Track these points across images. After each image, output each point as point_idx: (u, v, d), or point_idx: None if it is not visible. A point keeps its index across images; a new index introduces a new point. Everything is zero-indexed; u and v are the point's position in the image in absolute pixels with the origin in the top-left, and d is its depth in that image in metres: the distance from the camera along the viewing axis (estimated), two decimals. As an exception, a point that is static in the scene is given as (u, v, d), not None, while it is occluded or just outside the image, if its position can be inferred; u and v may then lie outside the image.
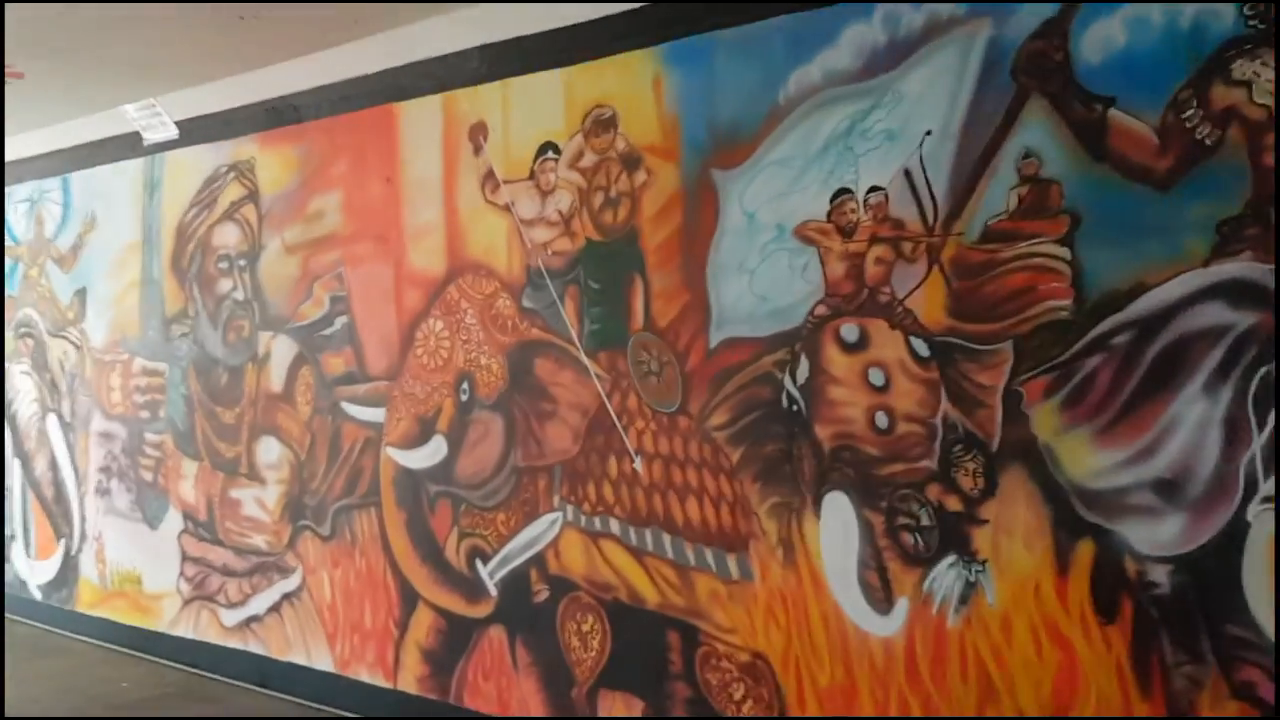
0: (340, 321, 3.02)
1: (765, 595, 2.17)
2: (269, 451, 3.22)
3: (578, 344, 2.47)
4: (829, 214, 2.06)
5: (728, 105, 2.22)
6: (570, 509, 2.49)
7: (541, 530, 2.55)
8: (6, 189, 4.30)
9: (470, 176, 2.71)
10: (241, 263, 3.30)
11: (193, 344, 3.45)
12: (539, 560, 2.56)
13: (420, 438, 2.82)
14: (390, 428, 2.89)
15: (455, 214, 2.74)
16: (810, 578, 2.10)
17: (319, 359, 3.08)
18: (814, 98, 2.09)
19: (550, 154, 2.53)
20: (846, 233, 2.04)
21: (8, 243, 4.27)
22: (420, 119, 2.82)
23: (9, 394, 4.24)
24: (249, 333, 3.27)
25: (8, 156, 4.25)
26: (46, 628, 4.05)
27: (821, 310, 2.08)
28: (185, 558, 3.51)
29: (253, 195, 3.27)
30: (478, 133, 2.69)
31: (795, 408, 2.12)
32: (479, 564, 2.68)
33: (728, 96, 2.22)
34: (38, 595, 4.12)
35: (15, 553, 4.24)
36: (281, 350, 3.18)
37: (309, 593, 3.11)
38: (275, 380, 3.20)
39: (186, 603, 3.50)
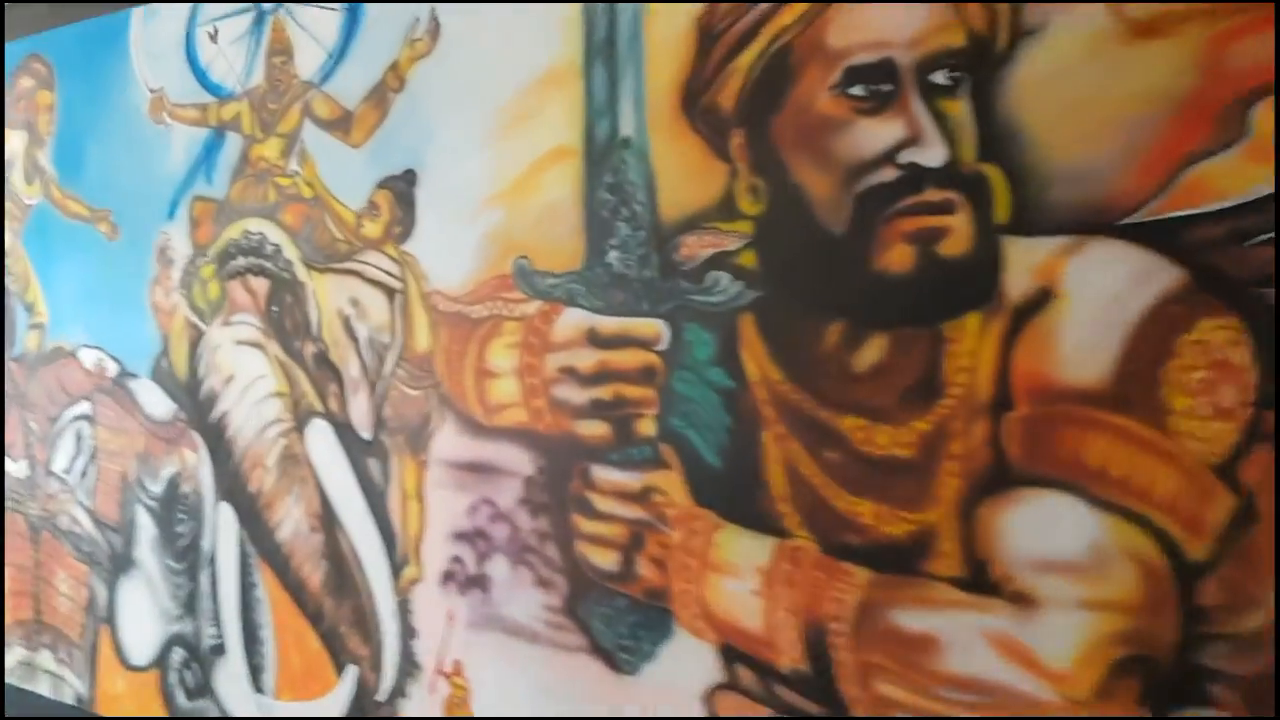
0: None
1: None
2: (1051, 528, 1.37)
3: None
4: None
5: None
6: None
7: None
8: (186, 3, 2.38)
9: None
10: (949, 76, 1.43)
11: (755, 282, 1.58)
12: None
13: None
14: None
15: None
16: None
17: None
18: None
19: None
20: None
21: (199, 98, 2.34)
22: None
23: (203, 380, 2.33)
24: (969, 242, 1.41)
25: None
26: (317, 834, 2.20)
27: None
28: (731, 746, 1.67)
29: (992, -92, 1.40)
30: None
31: None
32: None
33: None
34: (285, 765, 2.25)
35: (222, 676, 2.34)
36: (1114, 276, 1.33)
37: None
38: (1074, 357, 1.34)
39: (738, 846, 1.66)
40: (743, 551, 1.67)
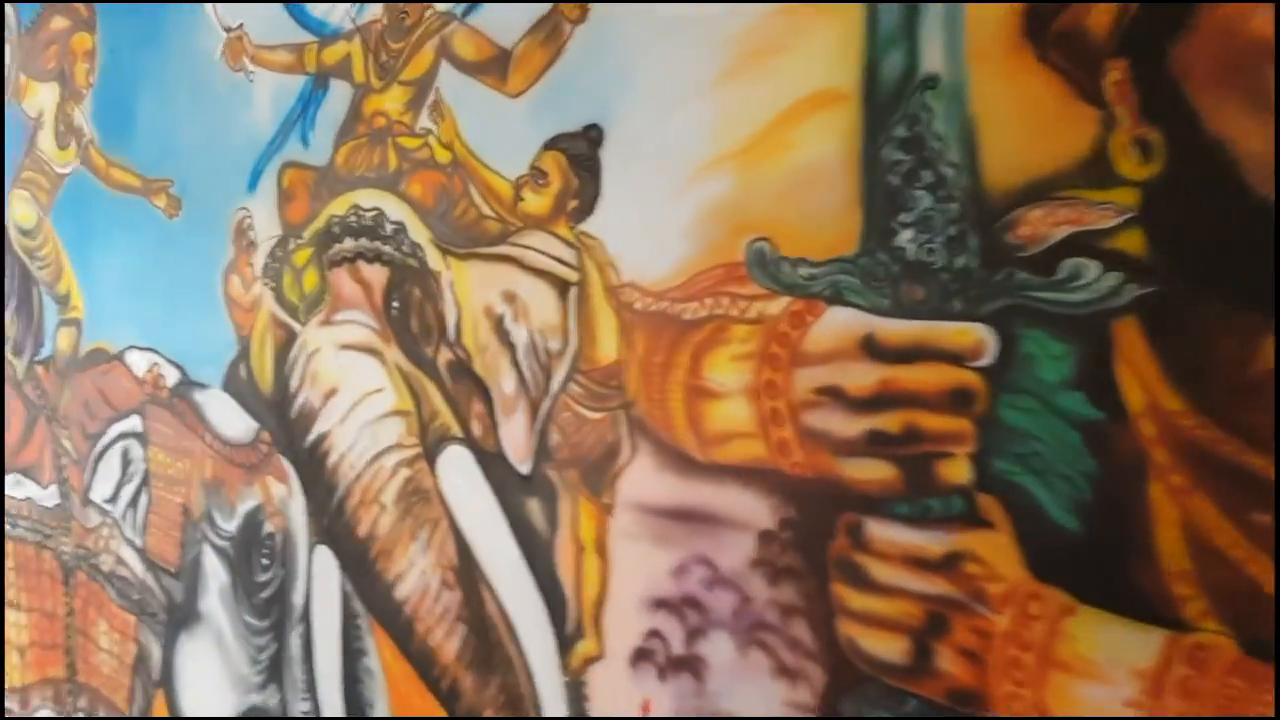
0: None
1: None
2: None
3: None
4: None
5: None
6: None
7: None
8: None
9: None
10: None
11: (1142, 273, 1.12)
12: None
13: None
14: None
15: None
16: None
17: None
18: None
19: None
20: None
21: (294, 37, 1.87)
22: None
23: (295, 393, 1.87)
24: None
25: None
26: None
27: None
28: None
29: None
30: None
31: None
32: None
33: None
34: None
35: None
36: None
37: None
38: None
39: None
40: (1111, 646, 1.22)
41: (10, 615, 2.50)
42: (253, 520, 2.01)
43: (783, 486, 1.43)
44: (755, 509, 1.46)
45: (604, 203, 1.58)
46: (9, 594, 2.50)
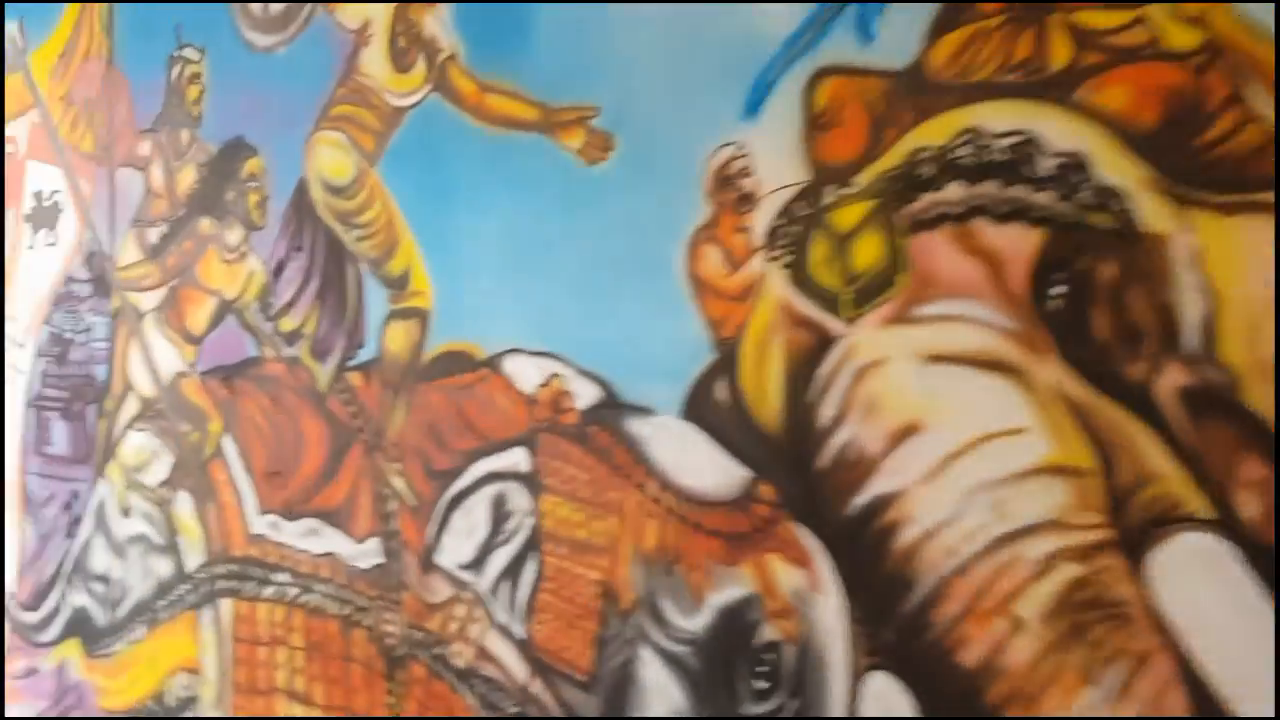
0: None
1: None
2: None
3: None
4: None
5: None
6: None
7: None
8: None
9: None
10: None
11: None
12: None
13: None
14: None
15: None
16: None
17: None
18: None
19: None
20: None
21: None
22: None
23: (829, 427, 1.11)
24: None
25: None
26: None
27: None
28: None
29: None
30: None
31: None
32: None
33: None
34: None
35: None
36: None
37: None
38: None
39: None
40: None
41: (297, 710, 1.84)
42: (738, 619, 1.30)
43: None
44: None
45: None
46: (293, 682, 1.84)
